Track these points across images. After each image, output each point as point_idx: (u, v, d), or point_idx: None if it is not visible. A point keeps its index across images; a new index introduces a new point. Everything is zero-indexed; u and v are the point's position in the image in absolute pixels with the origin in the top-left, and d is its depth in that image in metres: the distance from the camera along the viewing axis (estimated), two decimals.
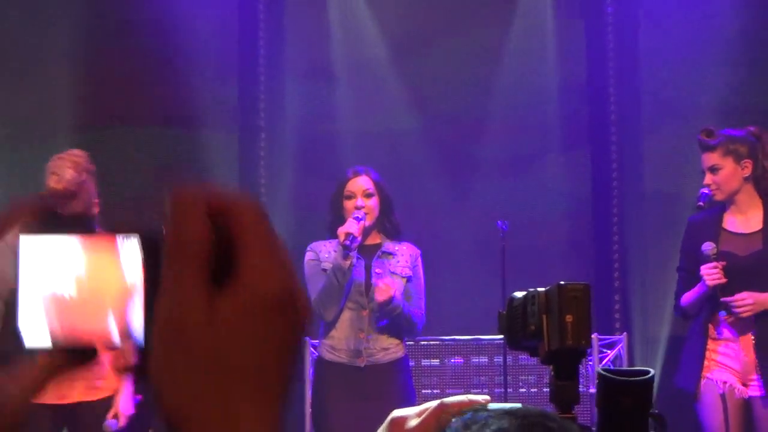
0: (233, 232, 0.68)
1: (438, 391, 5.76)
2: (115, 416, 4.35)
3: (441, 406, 1.18)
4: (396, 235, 4.48)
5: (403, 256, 4.43)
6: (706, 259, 4.27)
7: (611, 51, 7.04)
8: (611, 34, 7.06)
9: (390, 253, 4.41)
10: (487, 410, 1.06)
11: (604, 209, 6.93)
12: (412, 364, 4.81)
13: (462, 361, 5.89)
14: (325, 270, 4.28)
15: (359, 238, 4.19)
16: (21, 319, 0.76)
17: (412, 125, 6.88)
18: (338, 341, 4.30)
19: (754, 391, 4.29)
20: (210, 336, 0.67)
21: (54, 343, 0.76)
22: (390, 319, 4.24)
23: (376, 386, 4.23)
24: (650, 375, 1.17)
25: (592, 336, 5.56)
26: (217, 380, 0.66)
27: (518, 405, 1.14)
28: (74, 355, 0.76)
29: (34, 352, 0.77)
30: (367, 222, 4.31)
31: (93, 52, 6.89)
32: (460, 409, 1.13)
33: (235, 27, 7.02)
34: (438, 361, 5.86)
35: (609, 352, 5.86)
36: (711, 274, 4.23)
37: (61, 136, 6.69)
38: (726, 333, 4.28)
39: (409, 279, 4.40)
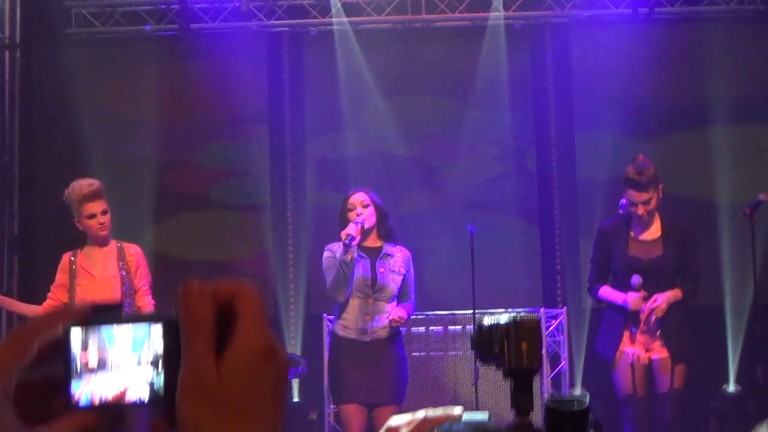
0: (234, 308, 0.74)
1: (424, 353, 5.76)
2: None
3: (425, 420, 1.20)
4: (391, 238, 4.55)
5: (399, 256, 4.51)
6: (633, 289, 4.33)
7: (551, 90, 6.97)
8: (551, 77, 6.98)
9: (389, 255, 4.50)
10: (462, 423, 1.09)
11: (547, 211, 6.93)
12: (403, 331, 4.84)
13: (442, 329, 6.01)
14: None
15: (358, 238, 4.27)
16: (72, 386, 0.77)
17: (400, 149, 6.87)
18: (349, 322, 4.37)
19: (657, 355, 4.43)
20: (221, 387, 0.72)
21: (94, 405, 0.78)
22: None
23: (378, 355, 4.31)
24: (586, 405, 1.21)
25: (540, 310, 5.64)
26: (229, 417, 0.72)
27: (486, 416, 1.17)
28: (108, 416, 0.78)
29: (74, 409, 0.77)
30: (366, 225, 4.34)
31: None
32: (441, 422, 1.16)
33: (266, 86, 7.00)
34: (423, 329, 5.92)
35: (553, 321, 5.80)
36: (635, 303, 4.32)
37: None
38: (633, 330, 4.37)
39: (404, 276, 4.40)
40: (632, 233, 4.42)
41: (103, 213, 4.32)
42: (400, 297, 4.48)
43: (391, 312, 4.31)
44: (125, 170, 6.84)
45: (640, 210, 4.39)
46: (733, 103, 6.81)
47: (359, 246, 4.40)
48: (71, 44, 7.06)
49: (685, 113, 6.86)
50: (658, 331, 4.37)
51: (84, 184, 4.37)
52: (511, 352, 1.27)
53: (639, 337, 4.38)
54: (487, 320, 1.50)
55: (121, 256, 4.36)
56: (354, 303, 4.35)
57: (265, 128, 7.06)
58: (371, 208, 4.39)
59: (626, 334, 4.38)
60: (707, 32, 6.98)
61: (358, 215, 4.34)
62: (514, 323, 1.36)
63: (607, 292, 4.45)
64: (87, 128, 7.01)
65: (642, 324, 4.33)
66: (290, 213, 7.10)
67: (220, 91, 7.01)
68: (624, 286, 4.39)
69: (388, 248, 4.46)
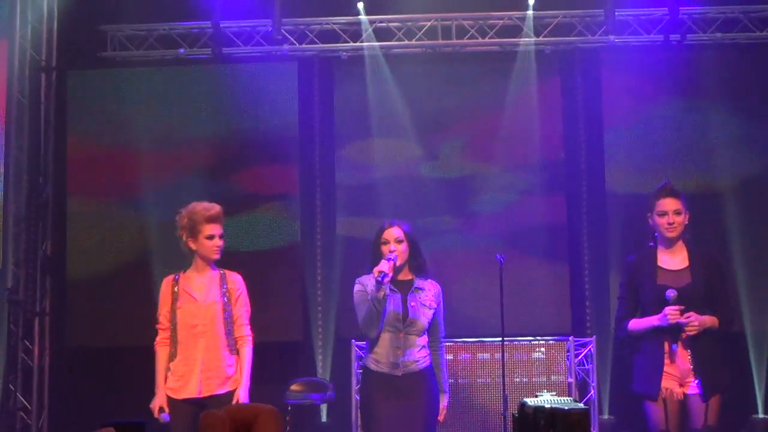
0: (255, 426, 0.82)
1: (452, 381, 5.83)
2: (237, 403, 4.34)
3: None
4: (422, 272, 4.52)
5: (430, 291, 4.51)
6: (668, 303, 4.29)
7: (581, 115, 6.99)
8: (581, 102, 7.01)
9: (420, 289, 4.49)
10: None
11: (576, 239, 6.95)
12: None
13: (470, 356, 6.01)
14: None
15: (390, 275, 4.28)
16: None
17: (429, 174, 6.94)
18: (381, 356, 4.38)
19: (693, 390, 4.31)
20: None
21: None
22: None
23: (410, 389, 4.34)
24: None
25: (569, 339, 5.67)
26: None
27: None
28: None
29: None
30: (398, 262, 4.39)
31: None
32: None
33: (296, 110, 7.08)
34: (452, 356, 5.93)
35: (582, 350, 5.83)
36: (673, 314, 4.28)
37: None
38: (673, 348, 4.31)
39: (435, 310, 4.47)
40: (659, 263, 4.39)
41: (221, 237, 4.44)
42: (430, 331, 4.45)
43: (442, 411, 4.42)
44: (156, 192, 6.99)
45: (670, 219, 4.38)
46: (765, 126, 6.83)
47: (392, 280, 4.36)
48: (107, 67, 7.20)
49: (716, 141, 6.87)
50: (690, 362, 4.30)
51: (207, 206, 4.45)
52: None
53: (673, 371, 4.29)
54: (531, 402, 1.51)
55: (223, 282, 4.44)
56: (385, 337, 4.35)
57: (295, 151, 7.08)
58: (405, 244, 4.39)
59: (666, 361, 4.28)
60: (740, 59, 6.98)
61: (391, 251, 4.34)
62: (562, 414, 1.35)
63: (637, 321, 4.39)
64: (121, 150, 7.16)
65: (680, 341, 4.26)
66: (319, 235, 7.12)
67: (252, 114, 7.06)
68: (655, 315, 4.31)
69: (419, 282, 4.45)
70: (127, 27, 7.20)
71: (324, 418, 6.82)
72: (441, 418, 4.49)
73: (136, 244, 6.90)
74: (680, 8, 6.79)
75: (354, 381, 5.80)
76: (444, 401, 4.52)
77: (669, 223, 4.39)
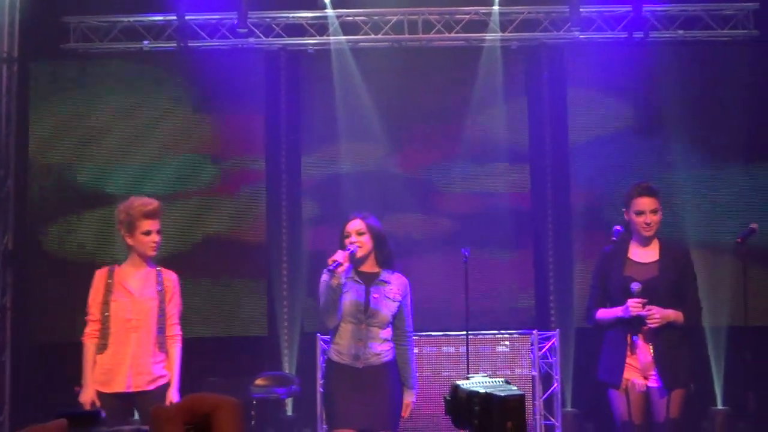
0: (212, 422, 0.84)
1: (417, 373, 5.83)
2: (170, 403, 4.30)
3: None
4: (389, 265, 4.48)
5: (396, 283, 4.46)
6: (633, 295, 4.33)
7: (546, 110, 7.06)
8: (546, 97, 7.08)
9: (386, 282, 4.44)
10: None
11: (541, 233, 7.02)
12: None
13: (435, 349, 6.03)
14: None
15: (345, 264, 4.26)
16: None
17: (395, 168, 6.98)
18: (342, 347, 4.37)
19: (654, 383, 4.35)
20: None
21: None
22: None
23: (372, 382, 4.31)
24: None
25: (533, 332, 5.73)
26: None
27: None
28: None
29: None
30: (360, 254, 4.39)
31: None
32: None
33: (262, 103, 7.08)
34: (417, 350, 5.93)
35: (546, 343, 5.90)
36: (635, 306, 4.32)
37: None
38: (634, 339, 4.37)
39: (399, 303, 4.43)
40: (630, 255, 4.44)
41: (158, 233, 4.41)
42: (395, 324, 4.42)
43: (406, 406, 4.36)
44: (120, 185, 6.92)
45: (648, 218, 4.41)
46: (725, 125, 6.95)
47: (357, 272, 4.38)
48: (69, 59, 7.11)
49: (679, 134, 6.98)
50: (652, 355, 4.32)
51: (145, 201, 4.42)
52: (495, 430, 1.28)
53: (635, 362, 4.31)
54: (465, 386, 1.52)
55: (159, 279, 4.42)
56: (347, 328, 4.32)
57: (261, 145, 7.05)
58: (367, 236, 4.38)
59: (627, 353, 4.32)
60: (701, 56, 7.10)
61: (351, 243, 4.33)
62: (500, 402, 1.36)
63: (604, 312, 4.43)
64: (83, 142, 7.11)
65: (641, 334, 4.30)
66: (285, 230, 7.08)
67: (218, 108, 7.03)
68: (621, 305, 4.35)
69: (385, 275, 4.42)
70: (90, 18, 7.12)
71: (289, 412, 6.84)
72: (405, 414, 4.43)
73: (101, 237, 6.85)
74: (643, 5, 6.87)
75: (319, 375, 5.81)
76: (410, 397, 4.46)
77: (646, 223, 4.42)
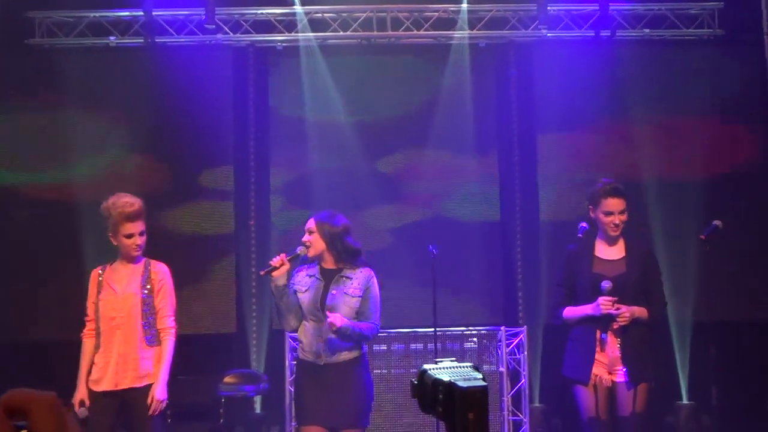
0: (29, 416, 0.87)
1: (385, 371, 5.88)
2: (152, 399, 4.30)
3: None
4: (348, 260, 4.36)
5: (357, 279, 4.33)
6: (603, 293, 4.34)
7: (514, 106, 7.13)
8: (514, 94, 7.15)
9: (348, 277, 4.33)
10: None
11: (509, 230, 7.08)
12: (365, 349, 4.77)
13: (403, 346, 6.03)
14: (294, 291, 4.38)
15: (285, 266, 4.20)
16: None
17: (364, 164, 7.01)
18: (305, 345, 4.34)
19: (620, 378, 4.40)
20: None
21: None
22: (343, 338, 4.30)
23: (333, 380, 4.26)
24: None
25: (501, 328, 5.79)
26: None
27: None
28: None
29: None
30: (311, 253, 4.37)
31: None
32: None
33: (230, 100, 7.07)
34: (385, 346, 5.95)
35: (514, 339, 5.95)
36: (606, 305, 4.34)
37: None
38: (603, 337, 4.43)
39: (360, 298, 4.31)
40: (596, 252, 4.45)
41: (141, 234, 4.34)
42: (359, 320, 4.28)
43: (332, 317, 4.16)
44: (84, 184, 6.87)
45: (616, 219, 4.42)
46: (690, 122, 7.08)
47: (321, 269, 4.32)
48: (34, 55, 7.04)
49: (645, 131, 7.09)
50: (619, 351, 4.35)
51: (126, 202, 4.33)
52: (458, 419, 1.31)
53: (602, 358, 4.33)
54: (431, 371, 1.54)
55: (146, 273, 4.39)
56: (309, 326, 4.27)
57: (230, 142, 7.02)
58: (316, 235, 4.29)
59: (597, 349, 4.34)
60: (667, 54, 7.22)
61: (303, 243, 4.30)
62: (461, 391, 1.38)
63: (572, 310, 4.45)
64: (48, 140, 7.04)
65: (610, 331, 4.31)
66: (254, 227, 7.06)
67: (185, 104, 6.96)
68: (589, 303, 4.36)
69: (347, 271, 4.33)
70: (55, 13, 7.05)
71: (258, 410, 6.85)
72: (332, 320, 4.14)
73: (66, 235, 6.80)
74: (610, 4, 6.96)
75: (288, 372, 5.83)
76: (337, 320, 4.15)
77: (615, 224, 4.43)
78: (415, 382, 1.45)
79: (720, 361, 6.00)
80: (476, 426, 1.16)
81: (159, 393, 4.31)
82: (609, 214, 4.46)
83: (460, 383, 1.29)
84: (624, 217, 4.46)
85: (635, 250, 4.51)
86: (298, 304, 4.30)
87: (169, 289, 4.43)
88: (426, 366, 1.47)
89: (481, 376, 1.32)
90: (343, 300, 4.28)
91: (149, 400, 4.29)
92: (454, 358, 1.39)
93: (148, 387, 4.31)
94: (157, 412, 4.30)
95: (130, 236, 4.35)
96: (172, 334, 4.38)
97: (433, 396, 1.36)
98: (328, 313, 4.18)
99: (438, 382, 1.36)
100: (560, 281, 4.59)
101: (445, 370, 1.36)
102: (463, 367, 1.36)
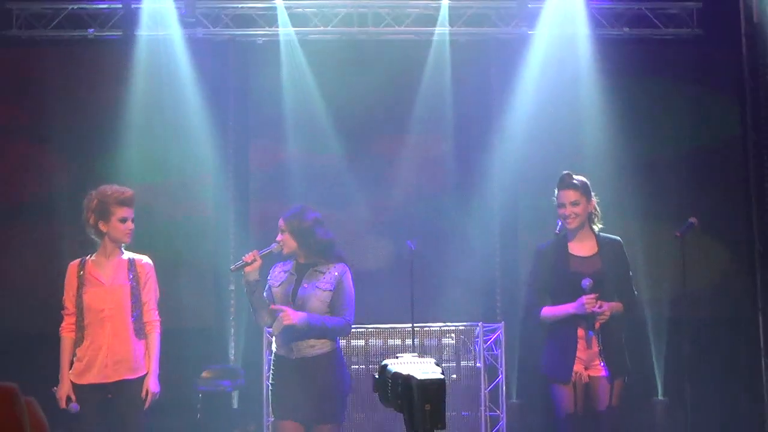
0: None
1: (363, 366, 5.92)
2: (146, 392, 4.35)
3: None
4: (322, 256, 4.38)
5: (331, 273, 4.36)
6: (585, 291, 4.35)
7: (494, 103, 7.16)
8: (495, 91, 7.18)
9: (321, 272, 4.37)
10: None
11: (487, 226, 7.13)
12: (343, 344, 4.77)
13: (381, 342, 6.05)
14: (269, 287, 4.42)
15: (256, 262, 4.23)
16: None
17: (343, 160, 7.02)
18: (278, 339, 4.38)
19: (598, 372, 4.43)
20: None
21: None
22: (312, 332, 4.33)
23: (304, 375, 4.27)
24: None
25: (478, 324, 5.83)
26: None
27: None
28: None
29: None
30: (285, 250, 4.41)
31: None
32: None
33: (210, 94, 7.09)
34: (363, 342, 5.97)
35: (492, 335, 6.00)
36: (590, 303, 4.35)
37: None
38: (590, 334, 4.43)
39: (332, 292, 4.33)
40: (570, 250, 4.46)
41: (132, 221, 4.43)
42: (331, 314, 4.31)
43: (288, 311, 4.19)
44: (63, 174, 6.84)
45: (567, 211, 4.42)
46: (668, 119, 7.16)
47: (296, 264, 4.36)
48: (12, 46, 7.00)
49: (623, 129, 7.15)
50: (598, 346, 4.39)
51: (119, 189, 4.43)
52: (416, 410, 1.35)
53: (582, 354, 4.37)
54: (391, 366, 1.59)
55: (131, 267, 4.42)
56: (281, 320, 4.25)
57: (208, 135, 6.99)
58: (286, 234, 4.33)
59: (579, 347, 4.36)
60: (646, 53, 7.30)
61: (277, 241, 4.35)
62: (419, 385, 1.43)
63: (550, 309, 4.44)
64: (27, 135, 7.02)
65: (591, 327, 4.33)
66: (232, 222, 7.05)
67: (164, 98, 7.00)
68: (568, 302, 4.38)
69: (320, 266, 4.36)
70: (33, 5, 6.98)
71: (235, 405, 6.87)
72: (283, 315, 4.18)
73: (45, 230, 6.80)
74: (590, 2, 7.05)
75: (265, 367, 5.85)
76: (296, 317, 4.18)
77: (565, 215, 4.44)
78: (376, 377, 1.48)
79: (696, 357, 6.07)
80: (433, 417, 1.19)
81: (153, 385, 4.37)
82: (561, 206, 4.47)
83: (418, 376, 1.33)
84: (578, 210, 4.44)
85: (606, 244, 4.52)
86: (268, 302, 4.31)
87: (154, 283, 4.49)
88: (386, 361, 1.51)
89: (440, 370, 1.36)
90: (314, 293, 4.30)
91: (143, 393, 4.34)
92: (416, 353, 1.43)
93: (141, 379, 4.35)
94: (147, 405, 4.36)
95: (124, 220, 4.41)
96: (158, 326, 4.45)
97: (393, 389, 1.39)
98: (283, 307, 4.22)
99: (397, 376, 1.39)
100: (533, 281, 4.57)
101: (405, 364, 1.40)
102: (423, 362, 1.40)
